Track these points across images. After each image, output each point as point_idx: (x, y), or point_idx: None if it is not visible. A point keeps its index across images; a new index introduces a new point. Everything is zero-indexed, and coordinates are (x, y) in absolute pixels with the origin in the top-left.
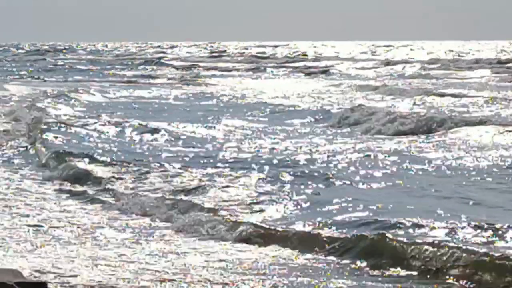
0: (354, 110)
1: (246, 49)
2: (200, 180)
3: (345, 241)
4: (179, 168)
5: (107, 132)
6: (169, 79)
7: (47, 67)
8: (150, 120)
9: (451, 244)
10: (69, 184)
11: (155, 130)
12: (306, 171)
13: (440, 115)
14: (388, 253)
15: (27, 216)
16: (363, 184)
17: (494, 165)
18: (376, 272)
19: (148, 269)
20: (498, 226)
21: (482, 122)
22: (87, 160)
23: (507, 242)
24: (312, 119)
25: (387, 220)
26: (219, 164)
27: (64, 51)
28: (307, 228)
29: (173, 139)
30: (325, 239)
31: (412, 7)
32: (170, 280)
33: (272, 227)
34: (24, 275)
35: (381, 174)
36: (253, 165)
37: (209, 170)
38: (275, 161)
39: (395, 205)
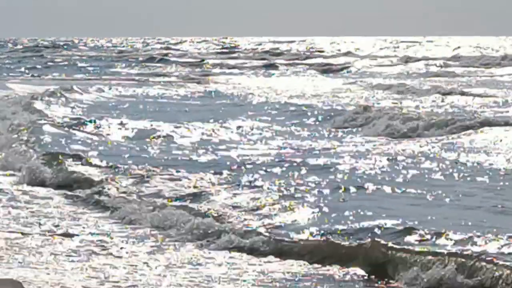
0: (366, 110)
1: (260, 44)
2: (211, 184)
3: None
4: (186, 172)
5: (108, 134)
6: (175, 77)
7: (45, 64)
8: (151, 120)
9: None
10: (68, 189)
11: (155, 131)
12: (325, 175)
13: (458, 115)
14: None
15: (31, 224)
16: (388, 189)
17: None
18: None
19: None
20: None
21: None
22: (85, 164)
23: None
24: (322, 119)
25: (416, 229)
26: (230, 167)
27: (64, 46)
28: (324, 237)
29: (177, 141)
30: (343, 250)
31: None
32: None
33: (286, 237)
34: (26, 287)
35: (404, 179)
36: (266, 168)
37: (220, 174)
38: (287, 164)
39: (423, 214)
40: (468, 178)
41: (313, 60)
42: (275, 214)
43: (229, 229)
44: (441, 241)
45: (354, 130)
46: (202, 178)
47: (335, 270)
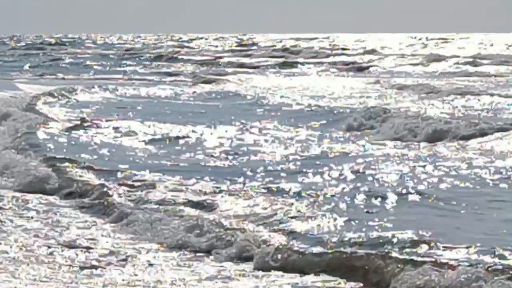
0: (384, 112)
1: (280, 41)
2: (227, 191)
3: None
4: (196, 178)
5: (117, 138)
6: (185, 76)
7: (51, 63)
8: (161, 122)
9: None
10: (73, 197)
11: (167, 134)
12: (345, 182)
13: (486, 118)
14: None
15: (38, 235)
16: (413, 198)
17: None
18: None
19: None
20: None
21: None
22: (91, 170)
23: None
24: (338, 122)
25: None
26: (251, 173)
27: (67, 43)
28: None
29: (191, 145)
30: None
31: None
32: None
33: (311, 249)
34: None
35: (432, 188)
36: (283, 174)
37: (236, 180)
38: (304, 169)
39: (450, 225)
40: (501, 186)
41: (334, 58)
42: (297, 225)
43: (252, 242)
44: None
45: (371, 132)
46: (217, 185)
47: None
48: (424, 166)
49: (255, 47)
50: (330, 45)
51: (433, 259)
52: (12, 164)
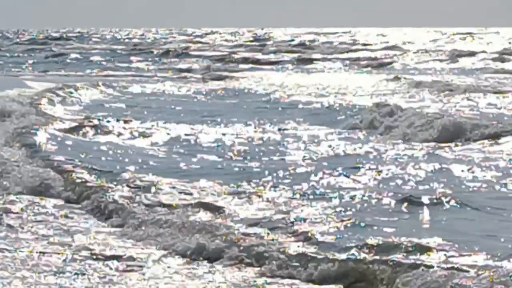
0: (398, 109)
1: (298, 36)
2: (240, 194)
3: None
4: (212, 181)
5: (123, 138)
6: (193, 72)
7: (56, 59)
8: (168, 122)
9: None
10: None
11: (177, 135)
12: (358, 185)
13: (506, 119)
14: None
15: (49, 240)
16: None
17: None
18: None
19: None
20: None
21: None
22: (96, 173)
23: None
24: (349, 121)
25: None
26: (267, 175)
27: (73, 38)
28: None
29: (200, 146)
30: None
31: None
32: None
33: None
34: None
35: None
36: (296, 177)
37: (248, 183)
38: (321, 170)
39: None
40: None
41: (354, 54)
42: (312, 230)
43: (268, 250)
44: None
45: (381, 131)
46: (229, 188)
47: None
48: (433, 168)
49: (270, 42)
50: (351, 39)
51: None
52: (11, 165)
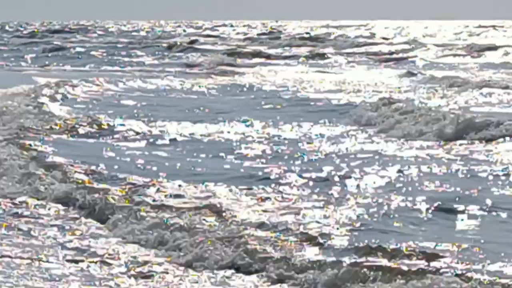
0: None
1: (312, 29)
2: (248, 197)
3: None
4: (216, 184)
5: (127, 139)
6: (200, 67)
7: (51, 54)
8: (172, 120)
9: None
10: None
11: (179, 134)
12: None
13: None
14: None
15: (63, 246)
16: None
17: None
18: None
19: None
20: None
21: None
22: (103, 177)
23: None
24: (354, 118)
25: None
26: (279, 177)
27: (79, 31)
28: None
29: (205, 146)
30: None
31: None
32: None
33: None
34: None
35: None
36: (302, 181)
37: (252, 186)
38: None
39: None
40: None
41: (369, 48)
42: (321, 236)
43: (277, 257)
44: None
45: (382, 128)
46: (233, 191)
47: None
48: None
49: (282, 36)
50: (368, 33)
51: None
52: (12, 167)
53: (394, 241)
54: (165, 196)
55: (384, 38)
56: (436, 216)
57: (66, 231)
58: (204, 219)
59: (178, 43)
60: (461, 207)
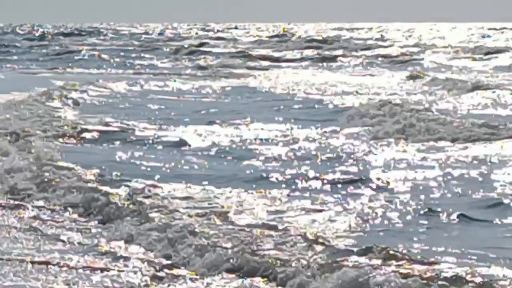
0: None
1: (322, 32)
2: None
3: None
4: (220, 187)
5: (132, 142)
6: (206, 69)
7: (59, 56)
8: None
9: None
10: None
11: (186, 139)
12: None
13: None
14: None
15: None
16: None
17: None
18: None
19: None
20: None
21: None
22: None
23: None
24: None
25: None
26: (308, 185)
27: (90, 34)
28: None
29: (211, 149)
30: None
31: None
32: None
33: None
34: None
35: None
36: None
37: (259, 188)
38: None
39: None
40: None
41: (377, 51)
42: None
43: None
44: None
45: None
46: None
47: None
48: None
49: (291, 38)
50: (378, 35)
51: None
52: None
53: (405, 245)
54: (175, 198)
55: (394, 41)
56: (447, 220)
57: (77, 235)
58: (213, 222)
59: (187, 46)
60: (476, 214)
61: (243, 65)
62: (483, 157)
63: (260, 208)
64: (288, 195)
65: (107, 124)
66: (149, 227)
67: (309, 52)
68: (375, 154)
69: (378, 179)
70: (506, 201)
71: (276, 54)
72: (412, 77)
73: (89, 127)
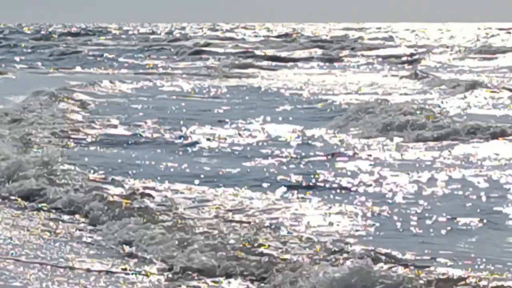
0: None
1: (329, 31)
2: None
3: None
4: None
5: (136, 144)
6: (209, 69)
7: (66, 56)
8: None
9: None
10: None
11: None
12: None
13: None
14: None
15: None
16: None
17: None
18: None
19: None
20: None
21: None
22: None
23: None
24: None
25: None
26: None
27: (97, 33)
28: None
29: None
30: None
31: None
32: None
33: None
34: None
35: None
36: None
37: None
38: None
39: None
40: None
41: (384, 51)
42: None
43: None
44: None
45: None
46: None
47: None
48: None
49: (297, 38)
50: (387, 35)
51: None
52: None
53: (414, 251)
54: (184, 199)
55: (402, 41)
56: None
57: (84, 237)
58: (227, 225)
59: (194, 46)
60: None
61: (251, 65)
62: (480, 158)
63: (263, 209)
64: (292, 196)
65: (114, 125)
66: (159, 231)
67: (316, 52)
68: (375, 154)
69: (378, 179)
70: (498, 202)
71: (283, 54)
72: (414, 77)
73: (97, 128)
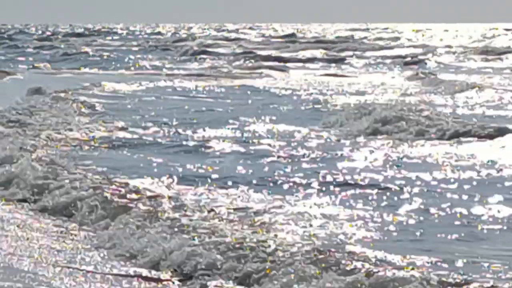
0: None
1: (332, 32)
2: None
3: None
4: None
5: (138, 146)
6: (211, 70)
7: (70, 56)
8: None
9: None
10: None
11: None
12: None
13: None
14: None
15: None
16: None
17: None
18: None
19: None
20: None
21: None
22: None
23: None
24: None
25: None
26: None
27: (102, 34)
28: None
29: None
30: None
31: None
32: None
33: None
34: None
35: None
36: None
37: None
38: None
39: None
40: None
41: (387, 51)
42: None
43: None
44: None
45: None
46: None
47: None
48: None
49: (300, 39)
50: (391, 36)
51: None
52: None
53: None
54: (189, 200)
55: (407, 41)
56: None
57: (94, 239)
58: (232, 226)
59: (198, 46)
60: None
61: (255, 66)
62: (478, 157)
63: (263, 208)
64: (292, 195)
65: (119, 126)
66: (169, 229)
67: (319, 53)
68: (376, 154)
69: (379, 179)
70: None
71: (288, 55)
72: (415, 78)
73: (102, 129)
